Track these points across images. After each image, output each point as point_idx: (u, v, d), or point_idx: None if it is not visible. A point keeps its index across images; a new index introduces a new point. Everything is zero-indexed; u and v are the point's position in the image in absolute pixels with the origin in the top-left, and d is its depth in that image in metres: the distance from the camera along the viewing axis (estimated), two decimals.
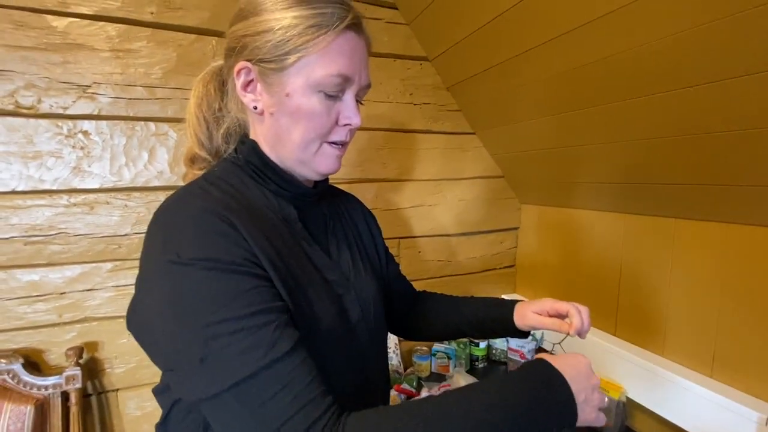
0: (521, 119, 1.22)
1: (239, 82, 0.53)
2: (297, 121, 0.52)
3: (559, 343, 0.68)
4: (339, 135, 0.56)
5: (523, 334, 0.71)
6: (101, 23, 0.99)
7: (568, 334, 0.63)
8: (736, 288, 0.90)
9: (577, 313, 0.63)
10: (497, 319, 0.72)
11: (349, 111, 0.55)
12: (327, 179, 0.65)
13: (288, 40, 0.49)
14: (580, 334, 0.63)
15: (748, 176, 0.79)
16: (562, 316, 0.66)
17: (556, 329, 0.65)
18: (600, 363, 1.15)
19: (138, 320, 0.48)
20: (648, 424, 1.08)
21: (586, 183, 1.20)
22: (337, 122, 0.55)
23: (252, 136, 0.57)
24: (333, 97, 0.53)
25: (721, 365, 0.92)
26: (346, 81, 0.53)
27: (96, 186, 1.02)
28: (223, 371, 0.41)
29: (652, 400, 1.02)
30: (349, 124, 0.55)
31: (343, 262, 0.61)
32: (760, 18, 0.59)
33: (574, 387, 0.47)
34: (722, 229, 0.92)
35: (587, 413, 0.47)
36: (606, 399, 0.51)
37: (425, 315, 0.79)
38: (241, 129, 0.59)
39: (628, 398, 1.07)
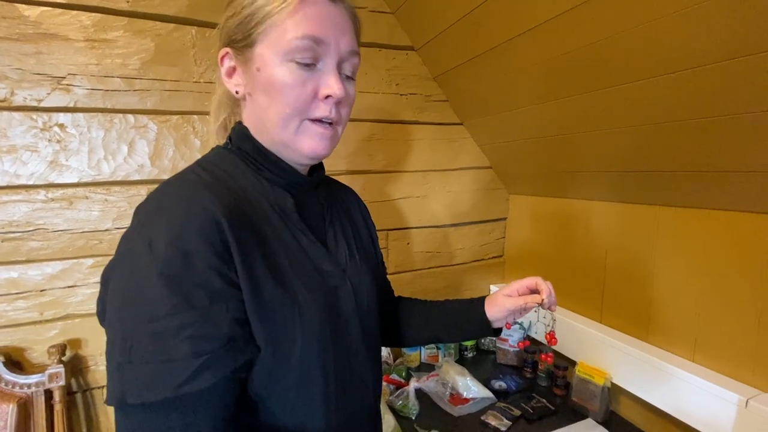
0: (507, 109, 1.21)
1: (223, 70, 0.53)
2: (271, 97, 0.49)
3: (536, 311, 0.70)
4: (321, 110, 0.51)
5: (496, 332, 0.73)
6: (75, 12, 0.96)
7: (539, 304, 0.67)
8: (716, 273, 0.91)
9: (543, 283, 0.68)
10: (470, 319, 0.72)
11: (327, 80, 0.50)
12: (323, 168, 0.64)
13: (253, 14, 0.48)
14: (550, 306, 0.67)
15: (730, 162, 0.80)
16: (532, 292, 0.70)
17: (529, 302, 0.67)
18: (586, 349, 1.16)
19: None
20: (633, 409, 1.10)
21: (572, 172, 1.20)
22: (317, 95, 0.50)
23: (245, 124, 0.56)
24: (308, 66, 0.49)
25: (703, 349, 0.94)
26: (317, 44, 0.48)
27: (74, 180, 1.00)
28: (134, 387, 0.39)
29: (636, 385, 1.04)
30: (330, 96, 0.50)
31: (340, 254, 0.60)
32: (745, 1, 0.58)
33: None
34: (703, 215, 0.93)
35: None
36: None
37: (400, 323, 0.78)
38: (236, 119, 0.59)
39: (613, 383, 1.09)
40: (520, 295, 0.69)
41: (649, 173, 0.98)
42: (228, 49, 0.52)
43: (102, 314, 0.46)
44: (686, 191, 0.93)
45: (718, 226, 0.90)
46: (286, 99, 0.49)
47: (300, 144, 0.52)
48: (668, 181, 0.95)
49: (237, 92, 0.53)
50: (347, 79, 0.54)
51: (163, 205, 0.45)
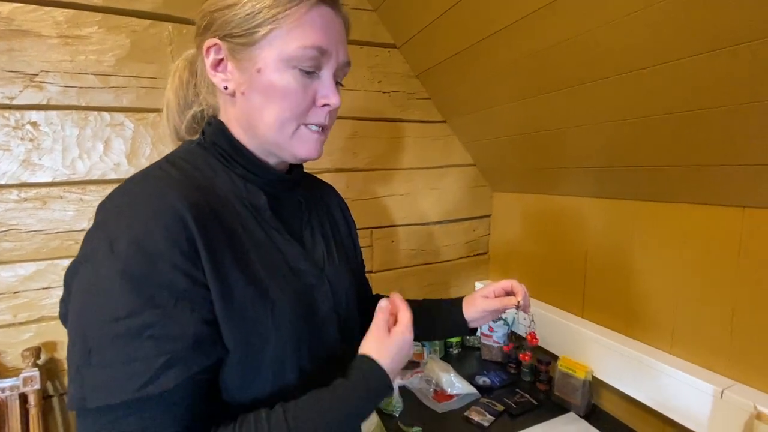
0: (489, 106, 1.22)
1: (208, 61, 0.50)
2: (270, 100, 0.49)
3: (516, 314, 0.73)
4: (317, 117, 0.52)
5: (472, 332, 0.75)
6: (47, 8, 0.94)
7: (517, 305, 0.69)
8: (692, 266, 0.92)
9: (518, 285, 0.71)
10: (448, 319, 0.74)
11: (326, 89, 0.51)
12: (301, 165, 0.63)
13: (258, 12, 0.47)
14: (525, 308, 0.70)
15: (702, 157, 0.81)
16: (508, 294, 0.72)
17: (505, 304, 0.70)
18: (568, 344, 1.17)
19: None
20: (614, 402, 1.11)
21: (553, 169, 1.21)
22: (314, 102, 0.51)
23: (222, 120, 0.54)
24: (309, 74, 0.49)
25: (680, 341, 0.95)
26: (322, 54, 0.49)
27: (48, 180, 0.98)
28: (94, 390, 0.38)
29: (617, 379, 1.05)
30: (328, 105, 0.52)
31: (318, 252, 0.59)
32: None
33: (389, 365, 0.52)
34: (678, 209, 0.94)
35: (398, 371, 0.55)
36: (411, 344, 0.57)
37: None
38: (210, 114, 0.57)
39: (594, 377, 1.10)
40: (496, 297, 0.72)
41: (627, 168, 0.99)
42: (218, 41, 0.49)
43: (65, 316, 0.45)
44: (662, 186, 0.94)
45: (692, 220, 0.91)
46: (288, 104, 0.49)
47: (294, 147, 0.52)
48: (645, 176, 0.96)
49: (226, 87, 0.51)
50: (338, 84, 0.55)
51: (126, 202, 0.44)
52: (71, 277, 0.44)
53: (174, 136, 0.59)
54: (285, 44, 0.48)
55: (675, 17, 0.65)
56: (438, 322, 0.75)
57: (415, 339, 0.79)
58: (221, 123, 0.53)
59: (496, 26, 0.95)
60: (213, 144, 0.53)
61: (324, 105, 0.52)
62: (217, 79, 0.51)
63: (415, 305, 0.78)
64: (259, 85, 0.49)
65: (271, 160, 0.55)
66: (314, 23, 0.48)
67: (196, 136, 0.56)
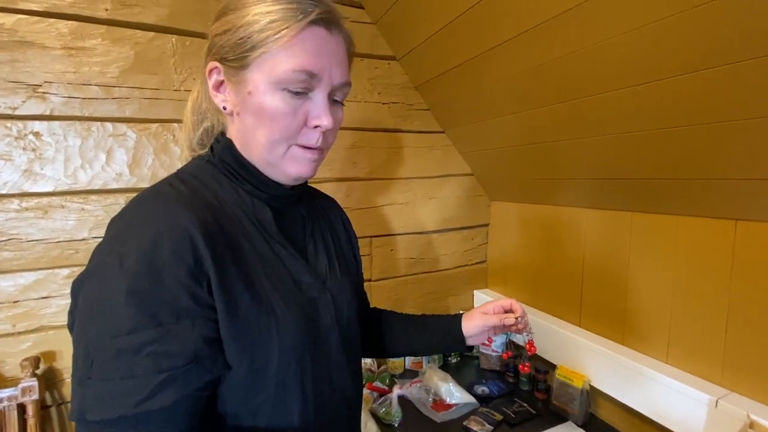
0: (488, 117, 1.24)
1: (210, 83, 0.52)
2: (261, 121, 0.50)
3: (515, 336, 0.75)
4: (309, 138, 0.52)
5: (469, 348, 0.76)
6: (52, 20, 0.95)
7: (517, 320, 0.71)
8: (686, 277, 0.94)
9: (516, 304, 0.73)
10: (447, 335, 0.75)
11: (318, 110, 0.51)
12: (305, 181, 0.64)
13: (249, 37, 0.48)
14: (523, 327, 0.72)
15: (699, 170, 0.83)
16: (507, 312, 0.74)
17: (504, 320, 0.72)
18: (565, 353, 1.18)
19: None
20: (611, 411, 1.12)
21: (551, 179, 1.23)
22: (306, 123, 0.51)
23: (229, 137, 0.56)
24: (300, 94, 0.49)
25: (675, 351, 0.97)
26: (311, 77, 0.49)
27: (50, 189, 0.98)
28: (93, 403, 0.39)
29: (614, 388, 1.06)
30: (319, 126, 0.51)
31: (320, 265, 0.60)
32: (719, 10, 0.60)
33: None
34: (673, 221, 0.96)
35: None
36: None
37: (376, 335, 0.79)
38: (219, 130, 0.58)
39: (592, 386, 1.11)
40: (495, 314, 0.73)
41: (624, 180, 1.01)
42: (217, 64, 0.51)
43: (72, 327, 0.46)
44: (658, 198, 0.96)
45: (687, 232, 0.93)
46: (277, 126, 0.50)
47: (285, 166, 0.53)
48: (642, 188, 0.97)
49: (225, 108, 0.53)
50: (336, 103, 0.55)
51: (136, 219, 0.45)
52: (78, 289, 0.44)
53: (188, 142, 0.61)
54: (274, 67, 0.48)
55: (672, 35, 0.67)
56: (436, 336, 0.76)
57: (414, 353, 0.81)
58: (229, 140, 0.55)
59: (494, 41, 0.97)
60: (221, 161, 0.55)
61: (316, 126, 0.52)
62: (218, 99, 0.53)
63: (413, 319, 0.80)
64: (251, 106, 0.50)
65: (271, 176, 0.56)
66: (304, 45, 0.48)
67: (205, 150, 0.58)
